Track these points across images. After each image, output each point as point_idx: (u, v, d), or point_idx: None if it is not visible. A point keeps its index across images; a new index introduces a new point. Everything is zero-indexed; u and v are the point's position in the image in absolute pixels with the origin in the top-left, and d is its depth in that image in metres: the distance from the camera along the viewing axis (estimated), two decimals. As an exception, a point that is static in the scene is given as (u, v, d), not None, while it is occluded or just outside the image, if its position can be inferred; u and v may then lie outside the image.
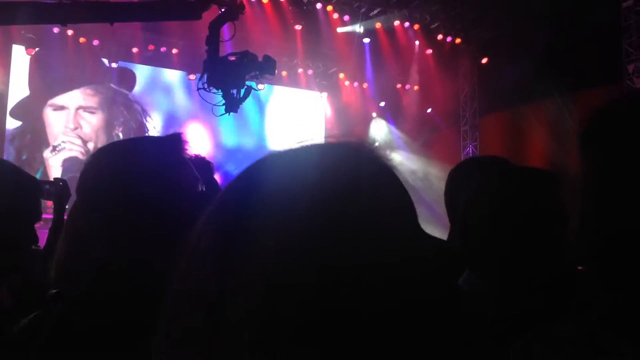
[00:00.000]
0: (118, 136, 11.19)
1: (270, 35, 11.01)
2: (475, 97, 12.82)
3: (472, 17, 11.42)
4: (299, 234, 0.55)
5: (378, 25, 11.74)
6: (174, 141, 1.24)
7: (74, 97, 11.00)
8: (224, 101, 6.03)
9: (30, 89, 10.63)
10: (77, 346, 1.02)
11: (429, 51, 12.33)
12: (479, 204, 1.44)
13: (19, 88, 10.51)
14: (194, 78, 11.38)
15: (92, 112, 11.12)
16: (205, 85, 5.93)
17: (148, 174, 1.14)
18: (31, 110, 10.53)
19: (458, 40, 12.09)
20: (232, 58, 5.99)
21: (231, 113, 6.12)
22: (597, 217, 0.84)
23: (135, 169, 1.14)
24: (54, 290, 1.63)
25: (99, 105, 11.21)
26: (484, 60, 11.92)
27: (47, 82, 10.70)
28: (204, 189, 1.28)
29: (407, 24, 11.81)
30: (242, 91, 6.01)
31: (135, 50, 11.26)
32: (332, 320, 0.54)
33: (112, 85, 11.37)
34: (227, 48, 6.31)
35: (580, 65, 9.36)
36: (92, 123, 11.07)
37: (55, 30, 10.16)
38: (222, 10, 6.24)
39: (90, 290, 1.14)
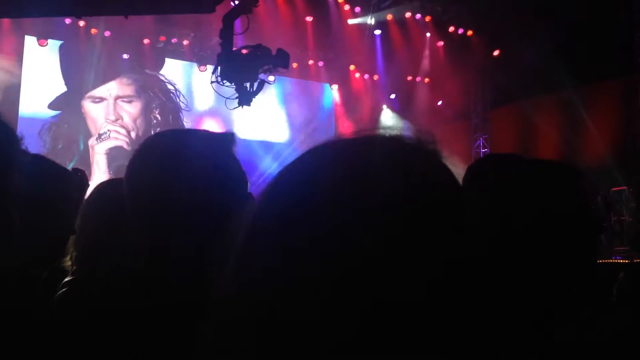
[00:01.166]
0: (157, 119, 11.42)
1: (281, 27, 10.99)
2: (486, 89, 12.76)
3: (484, 9, 11.34)
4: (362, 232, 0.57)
5: (389, 16, 11.69)
6: (224, 140, 1.25)
7: (111, 88, 11.18)
8: (237, 94, 6.05)
9: (66, 83, 10.76)
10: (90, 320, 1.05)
11: (440, 43, 12.28)
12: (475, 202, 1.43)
13: (32, 79, 10.55)
14: (205, 70, 11.41)
15: (130, 101, 11.30)
16: (219, 79, 5.95)
17: (191, 171, 1.14)
18: (69, 102, 10.72)
19: (470, 32, 12.03)
20: (246, 51, 6.00)
21: (244, 106, 6.14)
22: None
23: (178, 166, 1.14)
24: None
25: (136, 92, 11.38)
26: (496, 53, 11.85)
27: (82, 74, 10.85)
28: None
29: (418, 15, 11.76)
30: (256, 84, 6.02)
31: (146, 41, 11.27)
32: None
33: (146, 70, 11.49)
34: (239, 41, 6.32)
35: (592, 58, 9.30)
36: (131, 112, 11.27)
37: (67, 21, 10.17)
38: (236, 3, 6.23)
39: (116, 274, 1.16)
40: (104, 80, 11.08)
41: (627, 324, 0.87)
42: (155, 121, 11.44)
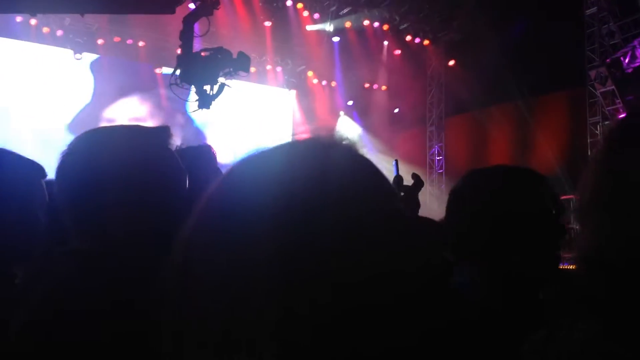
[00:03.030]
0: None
1: (240, 31, 10.93)
2: (442, 98, 13.01)
3: (441, 19, 11.57)
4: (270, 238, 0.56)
5: (348, 24, 11.78)
6: (158, 133, 1.24)
7: (124, 108, 11.04)
8: (196, 97, 5.97)
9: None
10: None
11: (398, 52, 12.44)
12: (458, 200, 1.48)
13: None
14: (160, 72, 11.23)
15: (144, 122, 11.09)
16: (178, 81, 5.86)
17: (119, 164, 1.13)
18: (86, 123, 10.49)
19: (426, 42, 12.24)
20: (206, 54, 5.93)
21: (203, 109, 6.07)
22: (614, 223, 0.85)
23: (106, 158, 1.13)
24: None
25: (149, 114, 11.22)
26: (451, 63, 12.10)
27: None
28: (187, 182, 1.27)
29: (376, 24, 11.88)
30: (216, 88, 5.95)
31: (100, 41, 11.02)
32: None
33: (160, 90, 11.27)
34: (197, 44, 6.25)
35: (544, 70, 9.60)
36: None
37: (19, 19, 9.86)
38: (196, 5, 6.17)
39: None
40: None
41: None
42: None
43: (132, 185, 1.12)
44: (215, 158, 2.13)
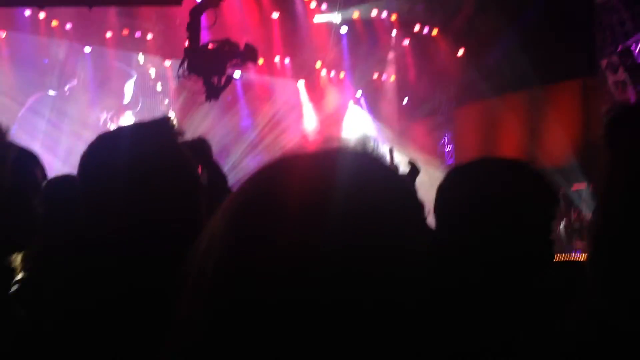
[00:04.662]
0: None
1: (247, 23, 10.90)
2: (451, 88, 12.92)
3: (449, 8, 11.49)
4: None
5: (356, 14, 11.72)
6: (158, 127, 1.23)
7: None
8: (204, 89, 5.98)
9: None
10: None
11: (406, 41, 12.37)
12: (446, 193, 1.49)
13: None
14: (169, 64, 11.24)
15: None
16: (186, 73, 5.88)
17: (122, 167, 1.13)
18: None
19: (435, 32, 12.16)
20: (213, 46, 5.94)
21: (211, 101, 6.09)
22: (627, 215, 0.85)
23: (115, 160, 1.14)
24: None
25: None
26: (460, 52, 12.01)
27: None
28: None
29: (385, 13, 11.81)
30: (223, 79, 5.97)
31: (109, 34, 11.02)
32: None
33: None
34: (204, 35, 6.25)
35: (554, 58, 9.51)
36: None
37: (27, 13, 9.87)
38: (204, -4, 6.16)
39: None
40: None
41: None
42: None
43: (142, 184, 1.13)
44: (211, 151, 2.12)
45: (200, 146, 2.10)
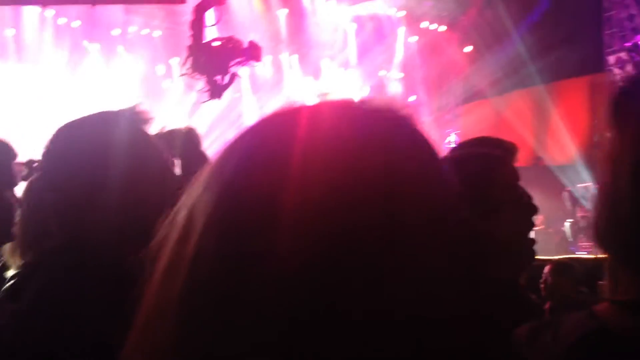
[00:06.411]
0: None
1: (255, 19, 10.90)
2: (459, 85, 12.86)
3: (457, 5, 11.43)
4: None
5: (364, 11, 11.69)
6: (123, 115, 1.20)
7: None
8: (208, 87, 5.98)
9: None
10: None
11: (414, 38, 12.32)
12: None
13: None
14: (177, 63, 11.26)
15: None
16: (190, 71, 5.89)
17: (92, 156, 1.12)
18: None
19: (443, 28, 12.10)
20: (217, 43, 5.94)
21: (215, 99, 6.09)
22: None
23: (80, 151, 1.13)
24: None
25: None
26: (468, 49, 11.95)
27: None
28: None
29: (392, 10, 11.77)
30: (227, 77, 5.96)
31: (116, 32, 11.07)
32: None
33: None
34: (211, 33, 6.25)
35: (562, 55, 9.44)
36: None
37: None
38: (207, -6, 6.16)
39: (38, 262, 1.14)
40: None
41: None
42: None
43: (108, 176, 1.11)
44: (200, 141, 2.10)
45: (186, 135, 2.06)
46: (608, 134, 0.83)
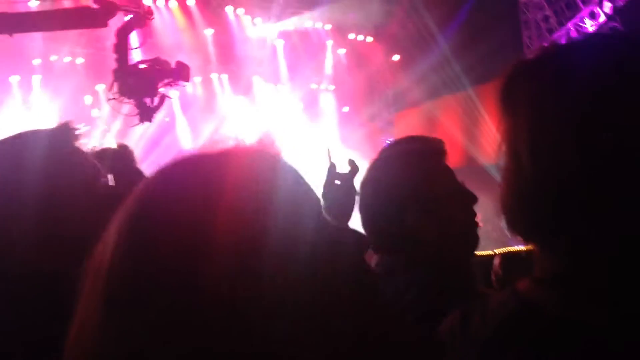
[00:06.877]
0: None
1: (181, 40, 10.78)
2: (389, 93, 13.11)
3: (381, 15, 11.67)
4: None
5: (291, 26, 11.76)
6: (58, 134, 1.19)
7: None
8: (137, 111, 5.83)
9: None
10: None
11: (342, 50, 12.48)
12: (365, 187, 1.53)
13: None
14: (103, 88, 10.97)
15: None
16: (117, 96, 5.72)
17: (17, 175, 1.10)
18: None
19: (370, 39, 12.32)
20: (143, 66, 5.80)
21: (146, 122, 5.94)
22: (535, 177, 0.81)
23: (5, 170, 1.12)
24: None
25: None
26: (396, 57, 12.21)
27: None
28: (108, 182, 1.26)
29: (319, 24, 11.90)
30: (156, 99, 5.83)
31: (37, 62, 10.66)
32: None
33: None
34: (138, 56, 6.12)
35: (485, 58, 9.77)
36: None
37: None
38: (129, 17, 6.02)
39: None
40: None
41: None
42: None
43: (33, 196, 1.09)
44: (134, 158, 2.08)
45: (118, 152, 2.03)
46: (503, 118, 0.87)
